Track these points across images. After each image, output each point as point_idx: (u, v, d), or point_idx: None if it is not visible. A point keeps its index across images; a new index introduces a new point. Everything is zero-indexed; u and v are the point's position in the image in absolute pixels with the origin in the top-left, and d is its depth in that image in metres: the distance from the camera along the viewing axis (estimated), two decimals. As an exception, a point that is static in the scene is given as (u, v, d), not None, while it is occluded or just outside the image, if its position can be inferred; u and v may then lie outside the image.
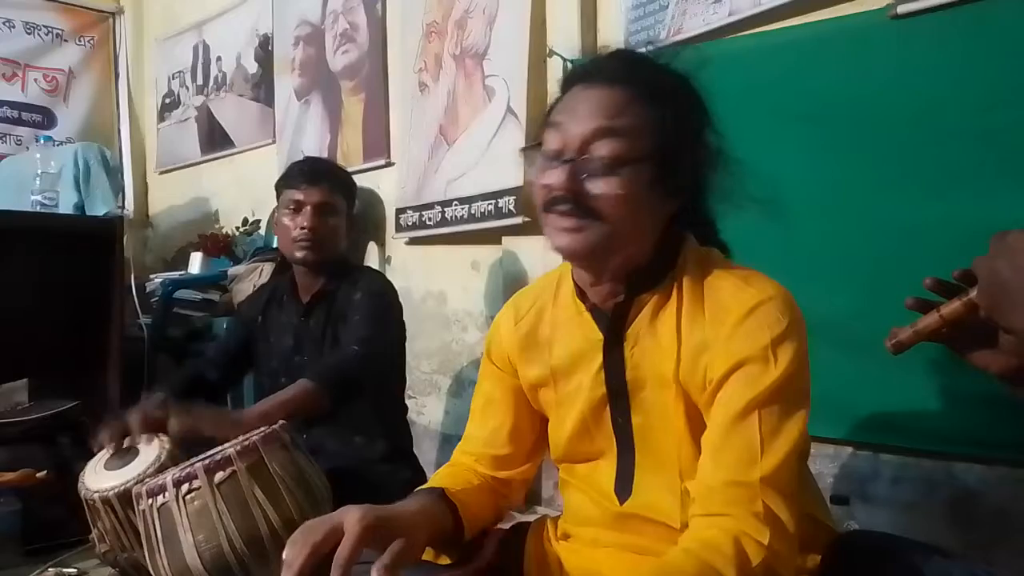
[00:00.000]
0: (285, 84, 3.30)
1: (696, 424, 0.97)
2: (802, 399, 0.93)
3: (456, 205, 2.42)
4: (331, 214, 1.88)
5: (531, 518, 1.22)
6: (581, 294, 1.05)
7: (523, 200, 2.16)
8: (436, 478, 1.13)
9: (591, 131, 0.93)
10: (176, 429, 1.49)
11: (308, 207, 1.85)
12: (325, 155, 2.95)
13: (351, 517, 0.86)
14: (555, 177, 0.94)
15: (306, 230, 1.83)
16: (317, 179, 1.88)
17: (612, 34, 2.08)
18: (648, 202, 0.95)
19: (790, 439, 0.89)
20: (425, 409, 2.61)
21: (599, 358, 1.03)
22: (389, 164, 2.80)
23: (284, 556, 0.84)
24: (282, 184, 1.93)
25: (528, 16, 2.22)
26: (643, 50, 1.05)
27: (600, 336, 1.03)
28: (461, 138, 2.46)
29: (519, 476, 1.15)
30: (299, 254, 1.85)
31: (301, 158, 2.20)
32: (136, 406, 1.63)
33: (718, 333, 0.94)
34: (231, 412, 1.52)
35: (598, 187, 0.93)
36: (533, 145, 1.02)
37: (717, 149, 0.99)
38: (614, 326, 1.01)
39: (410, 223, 2.61)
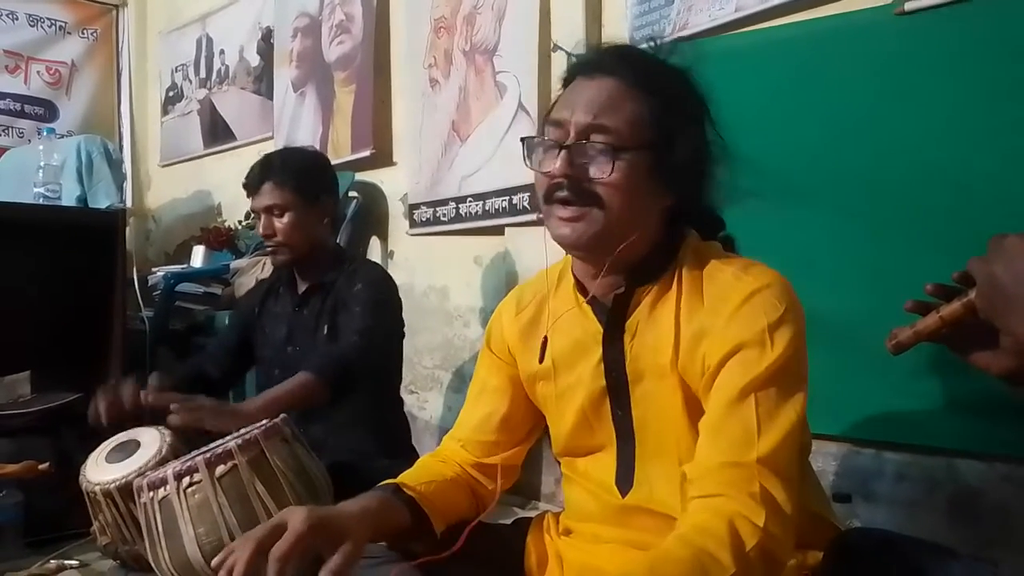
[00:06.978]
0: (283, 76, 3.28)
1: (695, 414, 0.97)
2: (799, 384, 0.93)
3: (471, 201, 2.42)
4: (282, 212, 1.81)
5: (532, 514, 1.22)
6: (581, 287, 1.06)
7: (535, 197, 2.16)
8: (408, 471, 1.13)
9: (588, 121, 0.96)
10: (178, 422, 1.49)
11: (262, 215, 1.83)
12: (317, 146, 2.91)
13: (295, 517, 0.88)
14: (555, 164, 0.96)
15: (266, 238, 1.83)
16: (259, 182, 1.83)
17: (616, 29, 2.07)
18: (646, 191, 0.97)
19: (787, 422, 0.90)
20: (427, 404, 2.61)
21: (599, 350, 1.03)
22: (383, 156, 2.78)
23: (231, 552, 0.86)
24: None
25: (537, 12, 2.22)
26: (644, 46, 1.06)
27: (599, 328, 1.03)
28: (473, 135, 2.46)
29: (505, 461, 1.15)
30: (273, 261, 1.88)
31: None
32: (128, 381, 1.63)
33: (716, 320, 0.95)
34: (232, 404, 1.52)
35: (596, 172, 0.95)
36: (534, 136, 1.04)
37: (715, 143, 1.00)
38: (614, 318, 1.02)
39: (425, 219, 2.61)
